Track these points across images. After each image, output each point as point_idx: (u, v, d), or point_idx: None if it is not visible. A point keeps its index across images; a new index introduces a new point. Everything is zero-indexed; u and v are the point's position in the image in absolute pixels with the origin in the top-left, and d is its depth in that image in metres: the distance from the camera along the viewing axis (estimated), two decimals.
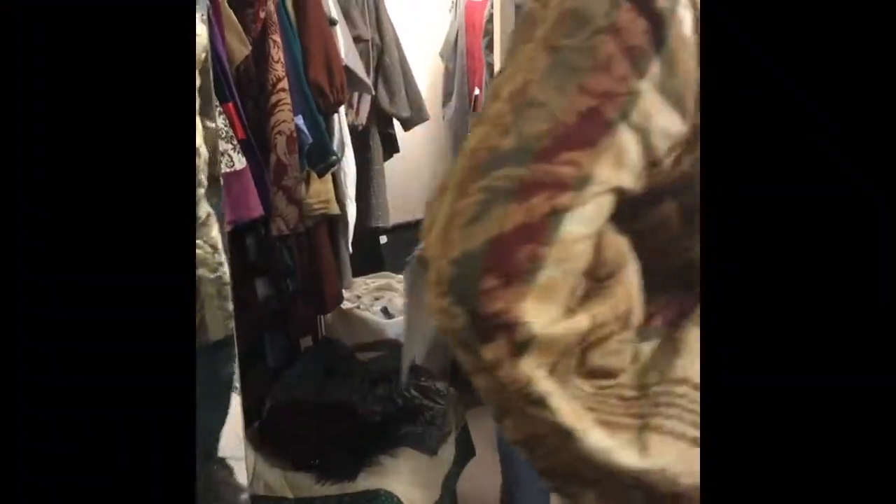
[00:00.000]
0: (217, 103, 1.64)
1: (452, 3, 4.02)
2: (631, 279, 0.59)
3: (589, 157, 0.54)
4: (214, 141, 1.57)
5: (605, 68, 0.55)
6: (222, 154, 1.68)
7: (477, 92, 3.96)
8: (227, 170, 1.69)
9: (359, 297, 3.15)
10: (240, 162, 1.76)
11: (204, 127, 1.52)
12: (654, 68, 0.55)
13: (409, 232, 3.19)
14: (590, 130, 0.55)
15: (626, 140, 0.55)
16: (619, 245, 0.60)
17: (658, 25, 0.55)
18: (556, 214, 0.54)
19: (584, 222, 0.55)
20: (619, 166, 0.55)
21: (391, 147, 2.56)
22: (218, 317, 1.60)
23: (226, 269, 1.59)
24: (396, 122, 2.57)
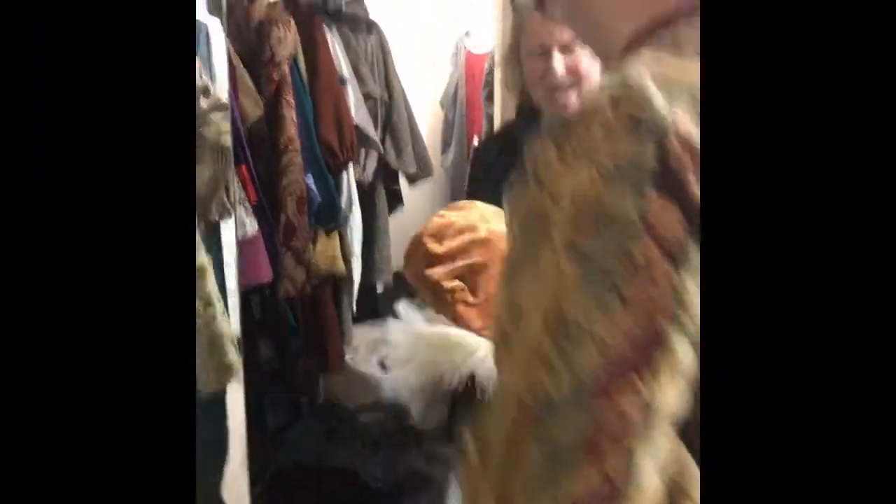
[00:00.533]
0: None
1: (453, 53, 4.04)
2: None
3: (648, 380, 0.49)
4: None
5: (645, 271, 0.49)
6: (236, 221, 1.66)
7: (476, 141, 3.97)
8: (239, 237, 1.66)
9: (354, 348, 3.12)
10: (252, 226, 1.74)
11: None
12: (694, 258, 0.50)
13: (403, 279, 3.16)
14: (643, 348, 0.49)
15: (681, 349, 0.50)
16: (682, 457, 0.55)
17: (691, 209, 0.50)
18: (630, 458, 0.48)
19: (656, 454, 0.50)
20: (676, 378, 0.50)
21: (396, 202, 2.55)
22: (209, 371, 1.57)
23: (218, 322, 1.56)
24: (401, 177, 2.56)
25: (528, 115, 1.64)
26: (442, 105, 4.08)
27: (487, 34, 3.94)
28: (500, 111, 3.26)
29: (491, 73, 3.75)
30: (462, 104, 3.95)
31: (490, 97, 3.73)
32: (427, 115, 3.93)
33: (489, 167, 1.67)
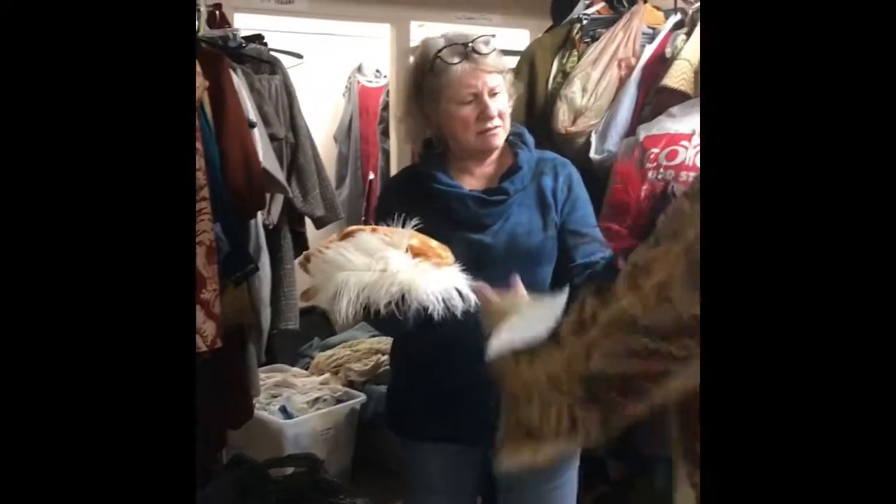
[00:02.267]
0: None
1: (346, 87, 4.00)
2: None
3: (694, 344, 0.72)
4: None
5: None
6: None
7: (372, 176, 3.94)
8: None
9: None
10: None
11: None
12: None
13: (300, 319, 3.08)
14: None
15: None
16: None
17: None
18: (666, 377, 0.78)
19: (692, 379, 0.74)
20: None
21: (301, 245, 2.47)
22: None
23: None
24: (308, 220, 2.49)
25: (431, 155, 1.67)
26: (336, 139, 4.02)
27: (381, 67, 3.93)
28: (397, 146, 3.25)
29: (386, 107, 3.74)
30: (357, 139, 3.91)
31: (386, 132, 3.71)
32: (320, 150, 3.86)
33: (392, 206, 1.66)
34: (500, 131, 1.62)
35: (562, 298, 1.02)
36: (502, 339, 1.02)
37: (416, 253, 1.32)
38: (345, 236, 1.33)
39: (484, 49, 1.58)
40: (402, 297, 1.28)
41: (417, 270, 1.30)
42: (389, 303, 1.28)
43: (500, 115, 1.61)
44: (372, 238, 1.31)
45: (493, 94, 1.59)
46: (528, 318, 1.06)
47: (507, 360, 0.95)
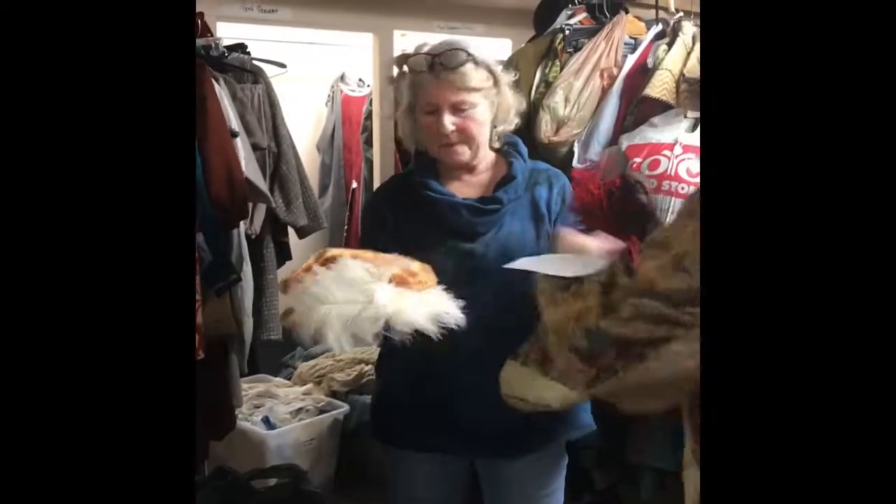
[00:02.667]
0: None
1: (329, 96, 4.00)
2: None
3: (698, 312, 0.78)
4: None
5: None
6: None
7: (355, 185, 3.93)
8: None
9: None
10: None
11: None
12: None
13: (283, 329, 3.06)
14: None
15: None
16: None
17: None
18: (667, 342, 0.86)
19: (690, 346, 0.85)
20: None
21: (284, 256, 2.46)
22: None
23: None
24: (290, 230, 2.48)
25: (424, 162, 1.66)
26: (319, 148, 4.02)
27: (364, 77, 3.93)
28: (380, 155, 3.25)
29: (369, 116, 3.74)
30: (339, 149, 3.91)
31: (369, 141, 3.71)
32: (303, 160, 3.85)
33: (381, 214, 1.66)
34: (461, 148, 1.60)
35: (597, 262, 1.11)
36: (525, 261, 1.22)
37: (398, 282, 1.30)
38: (326, 261, 1.30)
39: (450, 63, 1.55)
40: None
41: (402, 300, 1.28)
42: (377, 334, 1.28)
43: (463, 132, 1.57)
44: (355, 267, 1.29)
45: (456, 109, 1.56)
46: (560, 260, 1.20)
47: (547, 298, 1.10)
